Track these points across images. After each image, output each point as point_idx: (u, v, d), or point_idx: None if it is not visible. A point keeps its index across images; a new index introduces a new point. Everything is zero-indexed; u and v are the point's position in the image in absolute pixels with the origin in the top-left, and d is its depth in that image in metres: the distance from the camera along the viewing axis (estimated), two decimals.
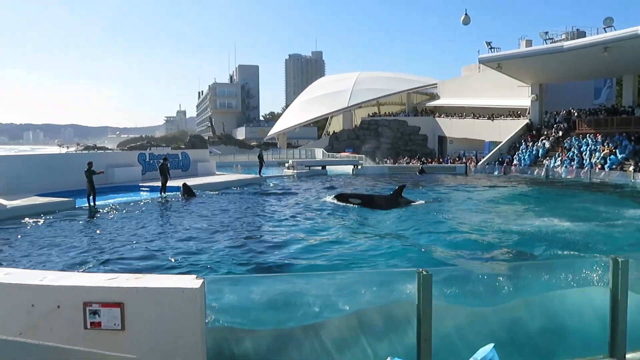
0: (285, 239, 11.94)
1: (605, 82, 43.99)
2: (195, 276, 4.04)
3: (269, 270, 8.77)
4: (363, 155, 46.73)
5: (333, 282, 4.74)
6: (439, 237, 12.22)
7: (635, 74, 35.80)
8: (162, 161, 22.65)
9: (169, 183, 21.78)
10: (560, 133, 36.82)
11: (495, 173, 35.97)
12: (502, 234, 12.72)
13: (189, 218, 15.48)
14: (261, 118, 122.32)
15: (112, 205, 18.33)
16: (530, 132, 39.13)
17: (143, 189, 23.27)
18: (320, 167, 37.79)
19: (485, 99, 46.99)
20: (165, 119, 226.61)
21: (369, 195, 19.68)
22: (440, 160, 46.41)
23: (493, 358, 2.98)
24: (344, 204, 17.72)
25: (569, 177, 31.36)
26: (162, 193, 21.35)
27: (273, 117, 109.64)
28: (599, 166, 30.68)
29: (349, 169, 38.34)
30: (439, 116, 53.73)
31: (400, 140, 54.30)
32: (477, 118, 47.20)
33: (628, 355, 4.65)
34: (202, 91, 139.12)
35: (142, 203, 18.90)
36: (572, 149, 34.04)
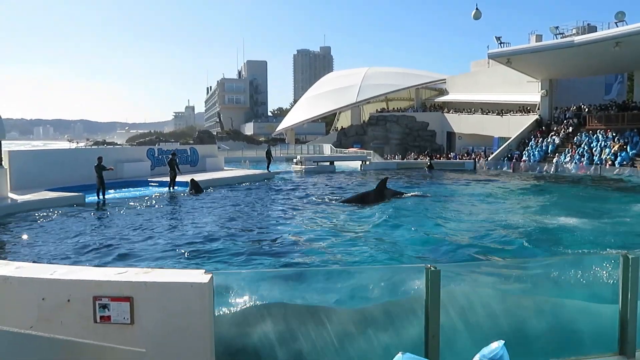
0: (292, 235, 11.96)
1: (617, 78, 43.53)
2: (203, 271, 4.06)
3: (276, 265, 8.80)
4: (371, 151, 46.63)
5: (341, 277, 4.74)
6: (425, 231, 12.25)
7: None
8: (170, 156, 22.76)
9: (178, 178, 21.89)
10: (570, 129, 36.53)
11: (504, 169, 35.77)
12: (492, 230, 12.73)
13: (197, 213, 15.55)
14: (269, 113, 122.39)
15: (121, 200, 18.46)
16: (540, 128, 38.84)
17: (152, 184, 23.39)
18: (328, 163, 37.73)
19: (494, 95, 46.65)
20: (174, 114, 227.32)
21: (359, 195, 19.62)
22: (449, 156, 46.21)
23: (503, 355, 2.96)
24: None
25: (579, 173, 31.13)
26: (171, 188, 21.46)
27: (281, 113, 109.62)
28: (610, 162, 30.42)
29: (357, 164, 38.27)
30: (448, 112, 53.46)
31: (408, 136, 54.11)
32: (486, 114, 46.91)
33: (638, 353, 4.62)
34: (211, 87, 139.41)
35: (150, 198, 19.00)
36: (582, 145, 33.76)
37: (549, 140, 36.62)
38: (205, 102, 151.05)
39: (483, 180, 27.85)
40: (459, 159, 42.78)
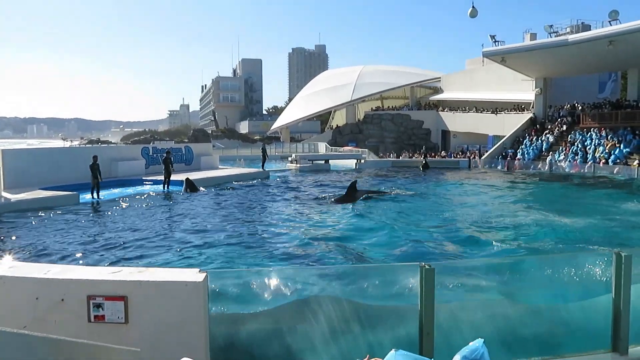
0: (287, 234, 11.96)
1: (610, 76, 43.70)
2: (198, 270, 4.06)
3: (271, 263, 8.80)
4: (366, 150, 46.65)
5: (336, 275, 4.75)
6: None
7: None
8: (165, 155, 22.70)
9: (173, 177, 21.83)
10: (565, 127, 36.68)
11: (499, 167, 35.89)
12: (482, 227, 12.80)
13: (191, 212, 15.52)
14: (264, 112, 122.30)
15: (116, 199, 18.40)
16: (534, 127, 38.97)
17: (146, 182, 23.33)
18: (323, 161, 37.73)
19: (489, 93, 46.76)
20: (169, 112, 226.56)
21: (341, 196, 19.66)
22: (444, 154, 46.29)
23: (484, 354, 2.97)
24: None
25: (572, 171, 31.26)
26: (166, 187, 21.42)
27: (276, 111, 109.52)
28: (603, 160, 30.57)
29: (352, 163, 38.30)
30: (443, 110, 53.54)
31: (403, 135, 54.17)
32: (481, 112, 47.04)
33: (631, 349, 4.65)
34: (206, 85, 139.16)
35: (145, 197, 18.95)
36: (576, 143, 33.91)
37: (543, 138, 36.76)
38: (200, 100, 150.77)
39: (472, 179, 27.93)
40: (454, 157, 42.88)
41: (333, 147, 50.26)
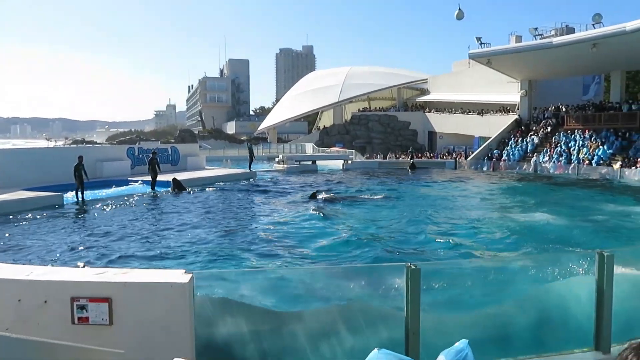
0: (274, 234, 11.94)
1: (594, 78, 44.30)
2: (184, 271, 4.03)
3: (257, 264, 8.78)
4: (353, 150, 46.74)
5: (322, 276, 4.76)
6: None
7: (623, 71, 36.09)
8: (151, 155, 22.54)
9: (159, 177, 21.69)
10: (549, 129, 37.08)
11: (485, 168, 36.18)
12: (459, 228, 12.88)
13: (178, 212, 15.43)
14: (251, 112, 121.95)
15: (101, 199, 18.23)
16: (519, 128, 39.35)
17: (132, 183, 23.13)
18: (310, 162, 37.74)
19: (475, 95, 47.13)
20: (155, 113, 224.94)
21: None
22: (431, 155, 46.56)
23: (468, 354, 2.99)
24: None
25: (557, 172, 31.62)
26: (152, 188, 21.27)
27: (263, 112, 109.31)
28: (587, 162, 30.96)
29: (339, 163, 38.36)
30: (429, 111, 53.84)
31: (390, 136, 54.37)
32: (467, 113, 47.38)
33: (613, 348, 4.71)
34: (192, 85, 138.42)
35: (131, 197, 18.80)
36: (561, 145, 34.31)
37: (528, 139, 37.12)
38: (187, 100, 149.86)
39: (453, 180, 28.09)
40: (441, 158, 43.14)
41: (320, 148, 50.30)
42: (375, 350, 2.97)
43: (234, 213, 15.58)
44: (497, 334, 4.80)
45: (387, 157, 46.14)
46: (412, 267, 4.19)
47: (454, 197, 20.18)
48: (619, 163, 28.50)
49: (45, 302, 3.72)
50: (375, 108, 61.63)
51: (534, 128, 38.29)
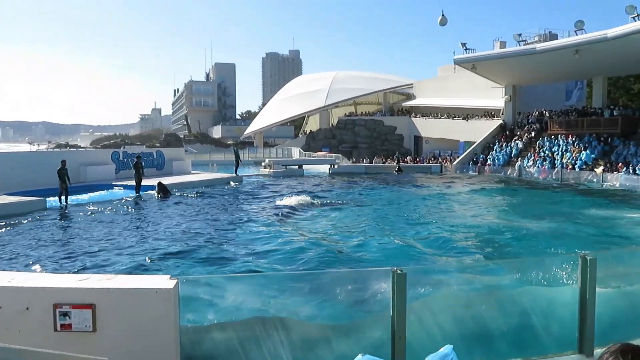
0: (260, 239, 11.89)
1: (576, 84, 44.95)
2: (169, 276, 4.00)
3: (243, 270, 8.73)
4: (340, 155, 46.84)
5: (308, 281, 4.75)
6: None
7: (605, 77, 36.68)
8: (135, 159, 22.36)
9: (144, 182, 21.51)
10: (533, 134, 37.51)
11: (470, 172, 36.48)
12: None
13: (163, 217, 15.31)
14: (238, 116, 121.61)
15: (85, 204, 18.02)
16: (504, 133, 39.76)
17: (116, 187, 22.92)
18: (296, 167, 37.74)
19: (460, 100, 47.56)
20: (140, 116, 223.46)
21: None
22: (417, 160, 46.83)
23: (453, 359, 3.01)
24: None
25: (541, 177, 31.97)
26: (136, 192, 21.09)
27: (250, 116, 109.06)
28: (570, 166, 31.37)
29: (325, 168, 38.39)
30: (415, 116, 54.18)
31: (376, 140, 54.60)
32: (453, 118, 47.77)
33: (596, 351, 4.76)
34: (178, 89, 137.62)
35: (115, 202, 18.62)
36: (544, 150, 34.72)
37: (512, 144, 37.52)
38: (173, 104, 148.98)
39: (435, 184, 28.29)
40: (426, 162, 43.41)
41: (307, 152, 50.35)
42: (360, 355, 2.97)
43: (217, 217, 15.48)
44: (482, 338, 4.83)
45: (374, 162, 46.32)
46: (399, 271, 4.21)
47: (434, 202, 20.22)
48: (602, 168, 28.91)
49: (27, 309, 3.66)
50: (362, 113, 61.86)
51: (518, 133, 38.71)
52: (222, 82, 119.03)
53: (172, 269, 8.68)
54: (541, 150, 34.84)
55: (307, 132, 63.39)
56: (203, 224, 14.03)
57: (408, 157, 46.80)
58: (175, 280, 3.89)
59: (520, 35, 35.86)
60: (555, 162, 32.78)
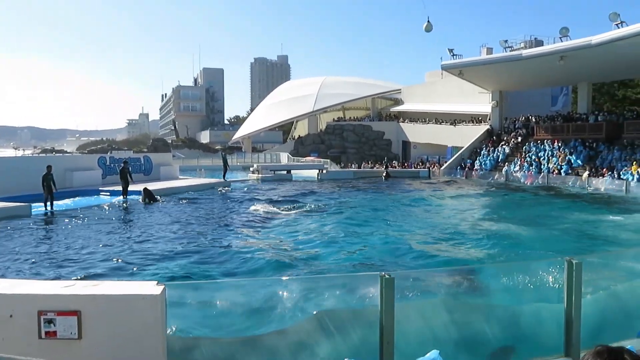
0: (247, 245, 11.85)
1: (562, 90, 45.52)
2: (156, 282, 3.97)
3: (230, 276, 8.69)
4: (328, 160, 46.90)
5: (296, 287, 4.74)
6: None
7: (589, 82, 37.17)
8: (122, 165, 22.18)
9: (131, 187, 21.35)
10: (519, 139, 37.86)
11: (458, 177, 36.69)
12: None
13: (150, 223, 15.19)
14: (226, 122, 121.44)
15: (71, 210, 17.83)
16: (491, 138, 40.09)
17: (103, 193, 22.71)
18: (285, 172, 37.71)
19: (447, 105, 47.92)
20: (128, 121, 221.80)
21: None
22: (405, 164, 47.03)
23: None
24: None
25: (527, 181, 32.26)
26: (123, 197, 20.92)
27: (238, 121, 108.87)
28: (556, 171, 31.69)
29: (314, 173, 38.39)
30: (403, 121, 54.47)
31: (365, 145, 54.77)
32: (440, 123, 48.07)
33: (583, 354, 4.80)
34: (166, 94, 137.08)
35: (102, 208, 18.45)
36: (531, 155, 35.06)
37: (499, 149, 37.83)
38: (160, 109, 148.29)
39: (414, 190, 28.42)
40: (415, 167, 43.61)
41: (295, 158, 50.34)
42: None
43: (203, 224, 15.40)
44: (469, 342, 4.85)
45: (362, 167, 46.43)
46: (387, 276, 4.21)
47: (415, 207, 20.23)
48: (587, 172, 29.25)
49: (11, 316, 3.61)
50: (350, 118, 62.06)
51: (505, 138, 39.05)
52: (210, 87, 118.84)
53: (157, 275, 8.61)
54: (527, 155, 35.17)
55: (296, 137, 63.42)
56: (187, 231, 13.95)
57: (395, 162, 46.98)
58: (162, 286, 3.86)
59: (506, 41, 36.27)
60: (542, 167, 33.10)
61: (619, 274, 6.33)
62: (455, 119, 46.25)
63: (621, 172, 27.14)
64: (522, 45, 38.24)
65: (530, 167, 33.58)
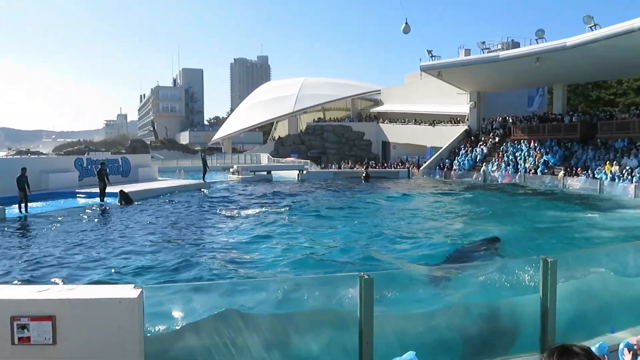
0: (225, 247, 11.78)
1: (538, 91, 46.28)
2: (133, 285, 3.92)
3: (208, 278, 8.64)
4: (308, 161, 46.90)
5: (275, 288, 4.73)
6: None
7: (564, 84, 37.86)
8: (99, 166, 21.86)
9: (109, 189, 21.05)
10: (497, 139, 38.37)
11: (437, 177, 37.02)
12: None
13: (126, 226, 14.99)
14: (206, 122, 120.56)
15: (46, 213, 17.50)
16: (469, 138, 40.55)
17: (79, 195, 22.35)
18: (265, 172, 37.59)
19: (427, 106, 48.32)
20: (105, 122, 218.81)
21: None
22: (385, 165, 47.29)
23: None
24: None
25: (504, 181, 32.70)
26: (100, 200, 20.62)
27: (218, 122, 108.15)
28: (533, 171, 32.20)
29: (294, 174, 38.35)
30: (383, 122, 54.77)
31: (345, 146, 54.93)
32: (419, 124, 48.44)
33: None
34: (145, 94, 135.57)
35: (78, 210, 18.14)
36: (508, 154, 35.56)
37: (477, 150, 38.29)
38: (139, 110, 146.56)
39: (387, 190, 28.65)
40: (394, 168, 43.87)
41: (275, 158, 50.25)
42: None
43: (182, 226, 15.25)
44: (447, 340, 4.90)
45: (342, 167, 46.54)
46: (365, 276, 4.23)
47: (395, 208, 20.38)
48: (562, 172, 29.78)
49: None
50: (330, 118, 62.19)
51: (483, 138, 39.55)
52: (190, 87, 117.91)
53: (135, 278, 8.51)
54: (505, 155, 35.66)
55: (276, 138, 63.31)
56: (161, 233, 13.82)
57: (372, 162, 47.19)
58: (140, 290, 3.81)
59: (484, 43, 36.75)
60: (519, 166, 33.60)
61: (593, 271, 6.46)
62: (434, 120, 46.66)
63: (595, 172, 27.70)
64: (500, 46, 38.77)
65: (508, 167, 34.06)
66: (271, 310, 4.40)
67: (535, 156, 33.28)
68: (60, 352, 3.57)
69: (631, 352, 3.79)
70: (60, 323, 3.57)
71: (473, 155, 37.94)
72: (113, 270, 9.26)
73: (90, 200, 20.90)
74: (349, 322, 4.20)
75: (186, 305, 4.22)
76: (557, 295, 5.11)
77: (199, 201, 22.04)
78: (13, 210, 17.41)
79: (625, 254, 7.22)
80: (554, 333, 5.08)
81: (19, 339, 3.50)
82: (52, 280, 8.49)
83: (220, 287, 4.59)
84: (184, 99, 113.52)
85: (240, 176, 34.86)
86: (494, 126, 40.45)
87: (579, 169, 29.16)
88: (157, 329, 4.08)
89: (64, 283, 7.47)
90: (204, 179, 30.48)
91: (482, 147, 38.30)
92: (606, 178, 26.32)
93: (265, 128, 74.86)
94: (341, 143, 55.04)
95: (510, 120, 39.59)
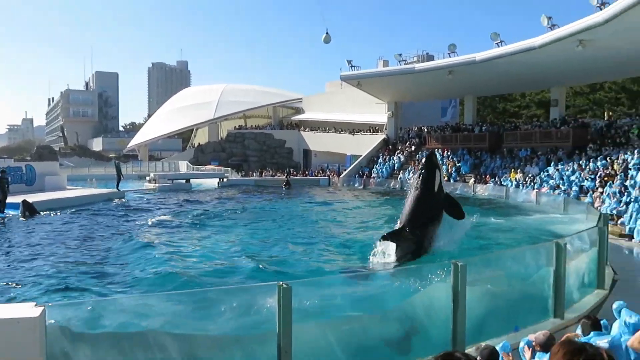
0: (137, 260, 11.28)
1: (451, 102, 48.79)
2: (34, 303, 3.67)
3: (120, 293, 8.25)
4: (229, 168, 46.29)
5: (189, 300, 4.60)
6: None
7: (475, 96, 40.16)
8: None
9: (9, 199, 19.51)
10: (413, 148, 39.89)
11: (356, 185, 37.84)
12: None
13: (28, 239, 13.94)
14: (121, 128, 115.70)
15: None
16: (387, 147, 41.85)
17: None
18: (184, 181, 36.62)
19: (347, 115, 49.40)
20: (8, 127, 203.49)
21: None
22: (306, 173, 47.66)
23: None
24: None
25: None
26: (1, 212, 19.06)
27: (134, 128, 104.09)
28: (446, 178, 33.77)
29: (214, 182, 37.67)
30: (304, 130, 55.25)
31: (266, 153, 54.78)
32: (340, 132, 49.35)
33: (467, 350, 5.15)
34: (53, 98, 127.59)
35: None
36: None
37: (395, 158, 39.59)
38: (47, 114, 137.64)
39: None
40: (315, 176, 44.34)
41: (195, 166, 49.15)
42: None
43: (97, 238, 14.46)
44: (365, 345, 5.00)
45: (263, 175, 46.37)
46: (284, 285, 4.23)
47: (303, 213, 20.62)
48: (473, 179, 31.49)
49: None
50: (251, 126, 61.84)
51: (400, 147, 40.98)
52: (104, 91, 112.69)
53: (38, 297, 7.95)
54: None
55: (196, 145, 61.94)
56: (65, 247, 13.04)
57: (293, 170, 47.47)
58: (42, 308, 3.57)
59: (401, 55, 38.15)
60: None
61: (500, 274, 6.87)
62: (354, 129, 47.72)
63: (502, 179, 29.56)
64: (415, 59, 40.46)
65: None
66: (186, 324, 4.27)
67: (449, 164, 34.94)
68: None
69: (530, 349, 4.07)
70: None
71: (391, 163, 39.17)
72: (14, 286, 8.58)
73: None
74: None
75: (95, 323, 4.00)
76: (466, 296, 5.39)
77: (111, 211, 21.00)
78: None
79: (527, 256, 7.76)
80: (464, 332, 5.35)
81: None
82: None
83: (130, 302, 4.39)
84: (97, 104, 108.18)
85: (157, 184, 33.73)
86: (410, 135, 42.03)
87: (487, 176, 30.97)
88: (62, 349, 3.82)
89: None
90: (117, 187, 29.13)
91: (399, 155, 39.64)
92: (512, 185, 28.15)
93: (185, 135, 73.06)
94: (262, 151, 54.84)
95: (426, 130, 41.32)
